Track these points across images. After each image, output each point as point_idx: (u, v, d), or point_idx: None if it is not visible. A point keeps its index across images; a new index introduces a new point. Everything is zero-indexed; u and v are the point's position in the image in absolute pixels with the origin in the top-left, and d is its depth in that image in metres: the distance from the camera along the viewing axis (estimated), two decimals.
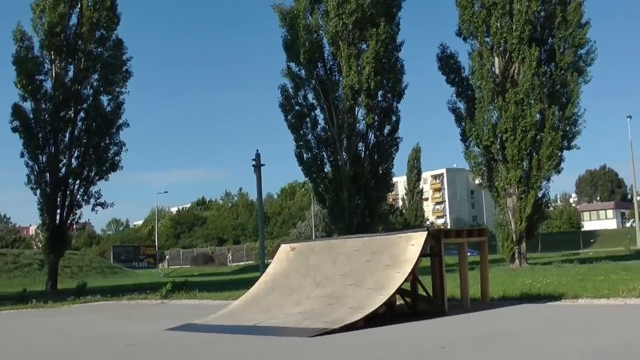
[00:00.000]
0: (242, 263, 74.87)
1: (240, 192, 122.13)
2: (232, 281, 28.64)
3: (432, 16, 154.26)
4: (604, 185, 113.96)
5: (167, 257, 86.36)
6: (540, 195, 28.19)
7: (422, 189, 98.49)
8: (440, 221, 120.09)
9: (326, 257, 10.65)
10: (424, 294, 10.28)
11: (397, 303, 10.16)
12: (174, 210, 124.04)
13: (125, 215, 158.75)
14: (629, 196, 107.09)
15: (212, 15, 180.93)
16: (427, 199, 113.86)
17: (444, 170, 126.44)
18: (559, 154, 27.18)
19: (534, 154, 27.13)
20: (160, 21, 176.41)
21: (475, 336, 7.59)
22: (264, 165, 30.70)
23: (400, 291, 9.65)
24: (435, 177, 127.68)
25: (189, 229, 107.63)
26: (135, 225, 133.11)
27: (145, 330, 10.08)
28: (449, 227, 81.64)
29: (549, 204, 32.85)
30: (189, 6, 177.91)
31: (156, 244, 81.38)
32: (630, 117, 57.49)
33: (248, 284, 14.57)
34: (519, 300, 11.23)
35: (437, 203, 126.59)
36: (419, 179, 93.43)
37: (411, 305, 10.20)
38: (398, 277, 9.15)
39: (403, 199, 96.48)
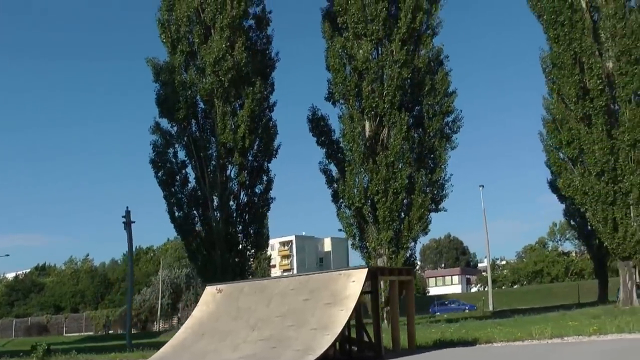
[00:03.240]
0: (83, 333, 70.05)
1: (86, 257, 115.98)
2: (94, 348, 26.69)
3: (300, 80, 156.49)
4: (448, 253, 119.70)
5: None
6: (408, 255, 28.90)
7: (270, 256, 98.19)
8: None
9: (258, 299, 10.24)
10: (364, 337, 10.02)
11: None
12: (10, 276, 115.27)
13: None
14: (472, 263, 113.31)
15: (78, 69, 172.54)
16: (274, 266, 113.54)
17: (293, 237, 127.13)
18: (428, 215, 28.12)
19: (405, 215, 27.87)
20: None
21: None
22: (134, 222, 29.52)
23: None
24: (283, 243, 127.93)
25: (24, 296, 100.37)
26: None
27: None
28: None
29: (415, 264, 33.76)
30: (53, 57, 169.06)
31: None
32: (483, 186, 60.52)
33: (113, 350, 13.41)
34: (438, 347, 11.24)
35: (285, 270, 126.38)
36: (267, 245, 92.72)
37: (345, 350, 9.90)
38: (342, 315, 8.88)
39: (249, 266, 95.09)
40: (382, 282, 11.73)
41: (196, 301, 16.35)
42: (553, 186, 48.37)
